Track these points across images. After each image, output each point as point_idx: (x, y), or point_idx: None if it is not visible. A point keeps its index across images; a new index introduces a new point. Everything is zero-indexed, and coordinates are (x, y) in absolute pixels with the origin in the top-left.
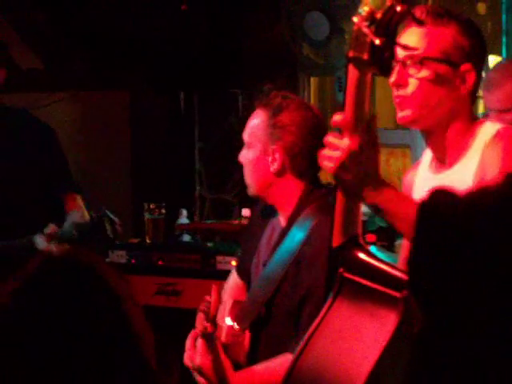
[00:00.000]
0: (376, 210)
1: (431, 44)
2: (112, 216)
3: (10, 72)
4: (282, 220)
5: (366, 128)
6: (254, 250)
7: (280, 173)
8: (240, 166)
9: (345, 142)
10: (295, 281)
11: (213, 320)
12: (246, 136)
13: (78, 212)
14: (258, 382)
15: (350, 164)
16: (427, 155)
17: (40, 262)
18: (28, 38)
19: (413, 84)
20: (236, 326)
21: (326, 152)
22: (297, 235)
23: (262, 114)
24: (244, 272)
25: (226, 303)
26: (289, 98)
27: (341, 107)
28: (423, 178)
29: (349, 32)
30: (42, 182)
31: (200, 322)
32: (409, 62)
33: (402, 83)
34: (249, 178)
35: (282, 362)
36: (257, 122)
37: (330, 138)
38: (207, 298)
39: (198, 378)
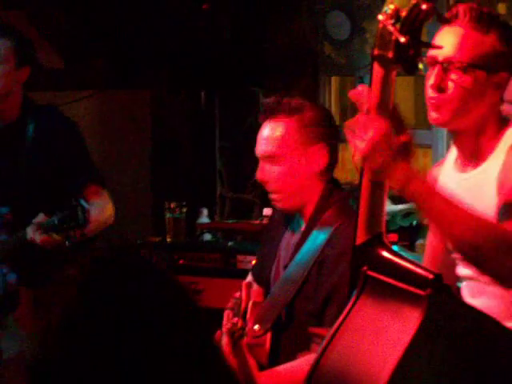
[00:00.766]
0: (404, 194)
1: (472, 49)
2: (84, 204)
3: (32, 70)
4: (301, 222)
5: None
6: (274, 254)
7: (323, 173)
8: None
9: (377, 121)
10: (317, 283)
11: (243, 316)
12: (269, 150)
13: (99, 204)
14: (283, 381)
15: (382, 144)
16: (452, 153)
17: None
18: (50, 36)
19: (451, 88)
20: (256, 327)
21: (358, 132)
22: (318, 237)
23: (282, 121)
24: (260, 277)
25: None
26: (296, 99)
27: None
28: (447, 176)
29: (370, 32)
30: (63, 174)
31: (227, 319)
32: (447, 65)
33: (442, 86)
34: (284, 191)
35: (305, 362)
36: (281, 130)
37: (362, 118)
38: (236, 294)
39: None
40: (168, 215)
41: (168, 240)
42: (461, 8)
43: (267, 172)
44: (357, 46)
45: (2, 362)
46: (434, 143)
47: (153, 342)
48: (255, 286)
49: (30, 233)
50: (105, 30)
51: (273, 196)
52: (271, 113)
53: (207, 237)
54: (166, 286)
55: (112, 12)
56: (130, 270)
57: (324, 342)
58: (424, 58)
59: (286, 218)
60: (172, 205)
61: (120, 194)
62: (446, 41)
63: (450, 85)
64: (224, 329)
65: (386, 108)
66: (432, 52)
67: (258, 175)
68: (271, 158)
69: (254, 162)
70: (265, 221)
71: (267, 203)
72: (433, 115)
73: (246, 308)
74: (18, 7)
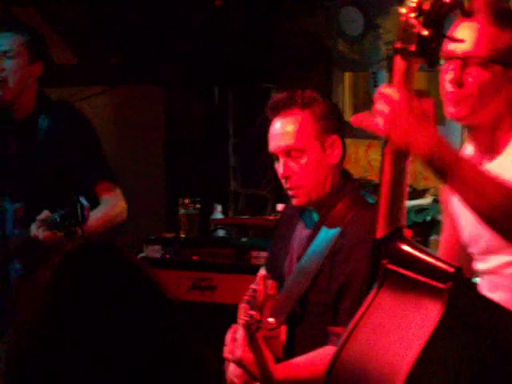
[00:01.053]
0: (430, 162)
1: (490, 45)
2: (83, 201)
3: (45, 66)
4: (314, 214)
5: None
6: (287, 247)
7: (338, 165)
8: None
9: (397, 93)
10: (331, 274)
11: (260, 309)
12: (289, 144)
13: (109, 200)
14: (301, 373)
15: (405, 111)
16: (467, 148)
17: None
18: (62, 32)
19: (470, 83)
20: (271, 320)
21: (378, 106)
22: (331, 229)
23: (296, 114)
24: (273, 271)
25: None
26: (307, 92)
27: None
28: None
29: (384, 27)
30: (75, 170)
31: (244, 312)
32: (466, 60)
33: (461, 81)
34: (305, 186)
35: (323, 354)
36: (297, 123)
37: (383, 90)
38: (252, 286)
39: (236, 371)
40: (182, 211)
41: (182, 236)
42: (479, 3)
43: (291, 166)
44: (370, 41)
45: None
46: (448, 138)
47: (121, 336)
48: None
49: (34, 229)
50: (118, 26)
51: (293, 192)
52: (284, 107)
53: (221, 233)
54: (135, 281)
55: (125, 8)
56: (97, 266)
57: (344, 336)
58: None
59: (299, 212)
60: (186, 201)
61: (134, 190)
62: (464, 35)
63: (469, 79)
64: (240, 322)
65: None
66: (450, 46)
67: (283, 171)
68: (293, 151)
69: (267, 158)
70: (278, 216)
71: (280, 199)
72: (450, 110)
73: (263, 301)
74: (30, 3)
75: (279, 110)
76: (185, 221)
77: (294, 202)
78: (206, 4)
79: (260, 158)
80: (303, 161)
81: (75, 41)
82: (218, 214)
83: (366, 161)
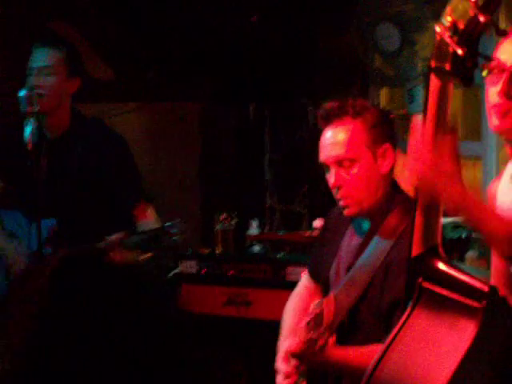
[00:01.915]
0: (458, 215)
1: None
2: (179, 225)
3: (81, 82)
4: (364, 223)
5: (446, 138)
6: (333, 253)
7: (389, 174)
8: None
9: (427, 149)
10: (383, 286)
11: (326, 329)
12: (341, 154)
13: (149, 222)
14: (345, 357)
15: (433, 170)
16: (509, 167)
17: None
18: (99, 48)
19: None
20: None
21: (413, 156)
22: (383, 241)
23: (348, 124)
24: (319, 275)
25: (297, 311)
26: (359, 101)
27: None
28: (505, 190)
29: (420, 43)
30: (113, 193)
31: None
32: None
33: (510, 93)
34: (357, 196)
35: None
36: (349, 133)
37: (414, 142)
38: (312, 307)
39: None
40: (218, 227)
41: (217, 251)
42: None
43: (342, 176)
44: (406, 57)
45: None
46: (483, 155)
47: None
48: (312, 287)
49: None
50: (154, 42)
51: (344, 202)
52: (335, 116)
53: (256, 248)
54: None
55: (162, 24)
56: (83, 270)
57: (379, 353)
58: (487, 65)
59: (349, 219)
60: (222, 216)
61: (170, 205)
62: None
63: None
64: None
65: (444, 121)
66: (501, 58)
67: (334, 180)
68: (345, 161)
69: (303, 173)
70: (314, 233)
71: (316, 215)
72: (495, 122)
73: (331, 323)
74: (66, 18)
75: (330, 119)
76: (220, 236)
77: (346, 212)
78: (242, 20)
79: (296, 173)
80: (354, 170)
81: (112, 56)
82: (253, 230)
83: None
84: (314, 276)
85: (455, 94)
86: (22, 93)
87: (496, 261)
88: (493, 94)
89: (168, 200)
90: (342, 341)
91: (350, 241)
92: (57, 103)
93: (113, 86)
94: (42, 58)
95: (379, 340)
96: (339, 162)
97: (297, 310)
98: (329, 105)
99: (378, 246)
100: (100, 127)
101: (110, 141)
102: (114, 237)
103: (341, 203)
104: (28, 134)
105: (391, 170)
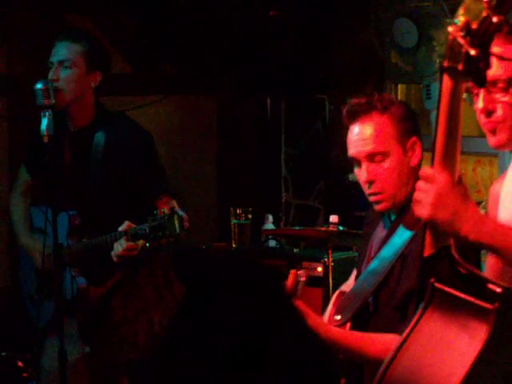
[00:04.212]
0: (480, 246)
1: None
2: (180, 212)
3: (103, 76)
4: (392, 216)
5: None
6: (367, 246)
7: (418, 167)
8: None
9: (439, 175)
10: (399, 276)
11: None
12: (372, 149)
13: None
14: (354, 341)
15: (446, 200)
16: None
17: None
18: (117, 42)
19: (499, 108)
20: (337, 317)
21: (421, 187)
22: (405, 232)
23: (376, 119)
24: (358, 267)
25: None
26: (385, 95)
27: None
28: (509, 192)
29: (437, 40)
30: (136, 185)
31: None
32: (489, 87)
33: (490, 109)
34: (389, 190)
35: (385, 339)
36: (377, 126)
37: (425, 171)
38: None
39: None
40: (234, 221)
41: (233, 246)
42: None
43: (374, 171)
44: (423, 53)
45: (66, 363)
46: (499, 152)
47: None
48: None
49: (116, 244)
50: (172, 36)
51: (376, 197)
52: (363, 112)
53: (272, 243)
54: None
55: (179, 17)
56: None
57: (390, 353)
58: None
59: (380, 214)
60: (238, 211)
61: (186, 199)
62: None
63: (498, 106)
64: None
65: (456, 121)
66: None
67: (366, 175)
68: (377, 155)
69: (320, 168)
70: (330, 228)
71: (332, 210)
72: (491, 140)
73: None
74: (84, 12)
75: (358, 115)
76: (236, 231)
77: (378, 207)
78: (260, 14)
79: (312, 168)
80: (386, 164)
81: (129, 50)
82: (269, 225)
83: (473, 180)
84: (357, 269)
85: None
86: (39, 85)
87: (494, 263)
88: (478, 114)
89: (185, 194)
90: (363, 328)
91: (379, 233)
92: (76, 97)
93: (130, 79)
94: (61, 51)
95: (394, 329)
96: (371, 157)
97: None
98: (355, 101)
99: (400, 238)
100: (124, 121)
101: (134, 134)
102: (124, 227)
103: (372, 198)
104: (44, 126)
105: (420, 163)
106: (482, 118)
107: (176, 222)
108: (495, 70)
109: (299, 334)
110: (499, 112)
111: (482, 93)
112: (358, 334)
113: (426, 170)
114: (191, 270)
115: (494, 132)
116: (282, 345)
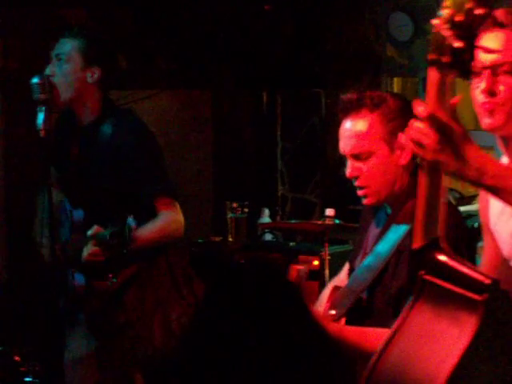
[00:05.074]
0: (485, 188)
1: None
2: (132, 222)
3: (106, 71)
4: (388, 210)
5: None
6: (362, 242)
7: (409, 165)
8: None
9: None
10: (394, 272)
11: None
12: (357, 147)
13: (167, 216)
14: (348, 334)
15: (443, 146)
16: (503, 162)
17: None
18: (112, 36)
19: (502, 91)
20: (332, 312)
21: (420, 129)
22: (400, 228)
23: (365, 116)
24: (351, 262)
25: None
26: (377, 92)
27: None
28: None
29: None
30: (133, 186)
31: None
32: (496, 69)
33: (494, 91)
34: (373, 186)
35: (378, 333)
36: (366, 125)
37: (417, 124)
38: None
39: None
40: (230, 215)
41: (229, 239)
42: (499, 13)
43: (358, 167)
44: (419, 47)
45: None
46: (495, 144)
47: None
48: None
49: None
50: (167, 30)
51: (361, 191)
52: (353, 108)
53: (268, 237)
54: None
55: (175, 12)
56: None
57: (381, 346)
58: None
59: (375, 209)
60: (234, 205)
61: (182, 194)
62: (491, 45)
63: (501, 88)
64: None
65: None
66: (479, 58)
67: (348, 172)
68: (360, 154)
69: (316, 162)
70: (326, 221)
71: (328, 203)
72: (486, 121)
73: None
74: (80, 6)
75: (348, 111)
76: (232, 224)
77: (364, 201)
78: (255, 9)
79: (308, 162)
80: (371, 162)
81: (125, 45)
82: (265, 218)
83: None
84: (350, 263)
85: (465, 84)
86: (35, 80)
87: (491, 255)
88: (478, 93)
89: (181, 187)
90: (358, 323)
91: (374, 230)
92: (71, 92)
93: (126, 73)
94: (58, 47)
95: (388, 325)
96: (355, 155)
97: (326, 292)
98: (347, 97)
99: (394, 233)
100: (130, 119)
101: (133, 132)
102: (92, 231)
103: (358, 192)
104: (41, 121)
105: (412, 160)
106: (481, 98)
107: (126, 231)
108: (499, 54)
109: (319, 336)
110: (501, 95)
111: (486, 73)
112: (353, 329)
113: (421, 107)
114: (216, 271)
115: (491, 113)
116: (305, 346)
